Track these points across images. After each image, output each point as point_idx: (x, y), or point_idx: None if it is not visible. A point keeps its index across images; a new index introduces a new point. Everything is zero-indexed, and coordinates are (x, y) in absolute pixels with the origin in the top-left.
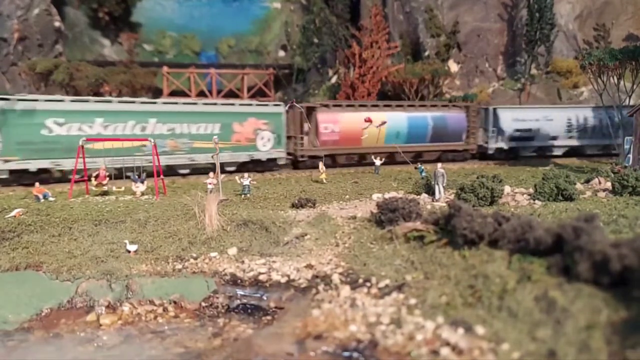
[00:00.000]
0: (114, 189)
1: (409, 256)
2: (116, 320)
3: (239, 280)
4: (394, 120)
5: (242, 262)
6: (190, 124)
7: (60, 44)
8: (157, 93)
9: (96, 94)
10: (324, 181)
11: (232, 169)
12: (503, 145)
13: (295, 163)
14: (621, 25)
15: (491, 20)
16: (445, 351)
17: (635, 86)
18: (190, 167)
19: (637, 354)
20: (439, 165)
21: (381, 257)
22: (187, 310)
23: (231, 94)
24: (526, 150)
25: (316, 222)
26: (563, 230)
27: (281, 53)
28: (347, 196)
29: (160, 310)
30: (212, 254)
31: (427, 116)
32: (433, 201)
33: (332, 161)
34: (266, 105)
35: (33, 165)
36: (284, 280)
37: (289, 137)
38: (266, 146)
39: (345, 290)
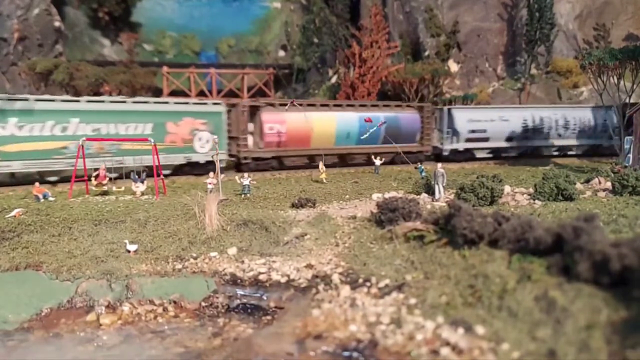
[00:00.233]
0: (114, 188)
1: (409, 256)
2: (116, 320)
3: (239, 280)
4: (345, 120)
5: (242, 262)
6: (118, 124)
7: (60, 44)
8: (157, 93)
9: (96, 93)
10: (324, 181)
11: (167, 172)
12: (458, 146)
13: (239, 165)
14: (621, 25)
15: (491, 20)
16: (445, 351)
17: (635, 86)
18: (119, 170)
19: (637, 354)
20: (439, 165)
21: (381, 257)
22: (187, 310)
23: (231, 94)
24: (481, 151)
25: (316, 222)
26: (563, 230)
27: (281, 53)
28: (347, 196)
29: (160, 310)
30: (212, 254)
31: (380, 117)
32: (433, 201)
33: (279, 163)
34: (205, 103)
35: None
36: (284, 280)
37: (232, 138)
38: (205, 147)
39: (345, 290)
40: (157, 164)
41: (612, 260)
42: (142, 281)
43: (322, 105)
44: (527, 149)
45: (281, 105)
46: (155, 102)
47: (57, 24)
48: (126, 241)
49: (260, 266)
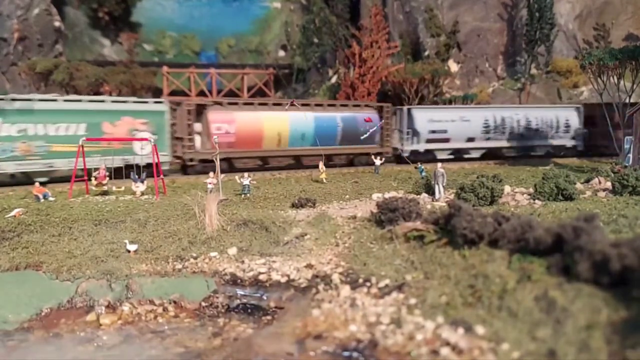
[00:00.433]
0: (114, 188)
1: (409, 256)
2: (116, 320)
3: (239, 280)
4: (299, 120)
5: (242, 261)
6: (48, 124)
7: (60, 43)
8: (157, 93)
9: (96, 94)
10: (324, 181)
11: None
12: (418, 147)
13: (184, 168)
14: (621, 25)
15: (491, 20)
16: (445, 351)
17: (635, 86)
18: (49, 174)
19: (637, 354)
20: (439, 165)
21: (381, 257)
22: (187, 310)
23: (231, 94)
24: (442, 152)
25: (316, 222)
26: (563, 230)
27: (281, 53)
28: (347, 196)
29: (160, 310)
30: (212, 254)
31: (336, 117)
32: (433, 201)
33: (229, 165)
34: (145, 102)
35: None
36: (284, 280)
37: (177, 139)
38: (145, 149)
39: (345, 290)
40: (156, 163)
41: (612, 260)
42: (142, 281)
43: (274, 104)
44: (488, 150)
45: (229, 104)
46: (89, 101)
47: (57, 24)
48: (126, 241)
49: (260, 266)
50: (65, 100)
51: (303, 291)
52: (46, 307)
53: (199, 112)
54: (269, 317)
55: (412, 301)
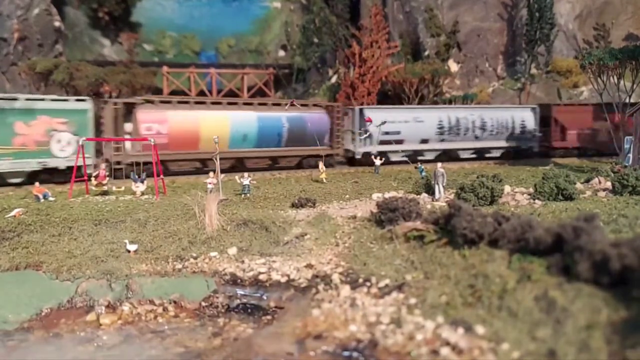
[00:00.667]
0: (114, 188)
1: (408, 256)
2: (116, 320)
3: (239, 280)
4: (241, 120)
5: (242, 261)
6: None
7: (60, 43)
8: (157, 93)
9: (96, 94)
10: (324, 181)
11: (18, 180)
12: (371, 149)
13: (112, 171)
14: (621, 25)
15: (491, 19)
16: (445, 351)
17: (635, 85)
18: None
19: (637, 354)
20: (439, 165)
21: (381, 257)
22: (187, 310)
23: (231, 94)
24: (396, 154)
25: (316, 222)
26: (563, 229)
27: (281, 53)
28: (347, 196)
29: (160, 310)
30: (212, 254)
31: (282, 117)
32: (433, 201)
33: (163, 169)
34: (66, 100)
35: None
36: (284, 280)
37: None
38: (65, 151)
39: (345, 290)
40: (156, 162)
41: (612, 260)
42: (142, 281)
43: (213, 103)
44: (443, 151)
45: (162, 102)
46: (0, 99)
47: (57, 24)
48: (126, 241)
49: (260, 266)
50: None
51: (303, 291)
52: (46, 307)
53: (128, 111)
54: (269, 317)
55: (412, 301)
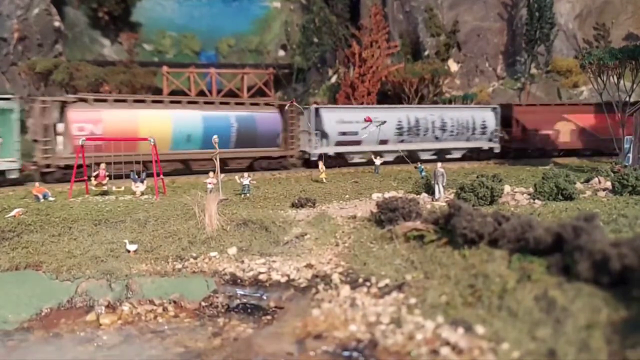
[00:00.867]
0: (114, 188)
1: (408, 256)
2: (116, 320)
3: (239, 280)
4: (185, 120)
5: (242, 261)
6: None
7: (60, 43)
8: (157, 93)
9: (96, 93)
10: (324, 181)
11: None
12: (328, 150)
13: (43, 175)
14: (621, 25)
15: (491, 19)
16: (445, 351)
17: (635, 85)
18: None
19: (637, 354)
20: (439, 164)
21: (381, 257)
22: (187, 310)
23: (231, 94)
24: (354, 155)
25: (316, 222)
26: (563, 229)
27: (281, 53)
28: (347, 196)
29: (160, 309)
30: (212, 254)
31: (230, 116)
32: (433, 201)
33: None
34: None
35: None
36: (283, 279)
37: (35, 141)
38: None
39: (345, 290)
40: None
41: (612, 260)
42: (142, 281)
43: (154, 101)
44: (402, 152)
45: (96, 101)
46: None
47: (57, 24)
48: (126, 241)
49: (260, 266)
50: None
51: (303, 291)
52: (46, 307)
53: (63, 109)
54: (269, 317)
55: (412, 301)
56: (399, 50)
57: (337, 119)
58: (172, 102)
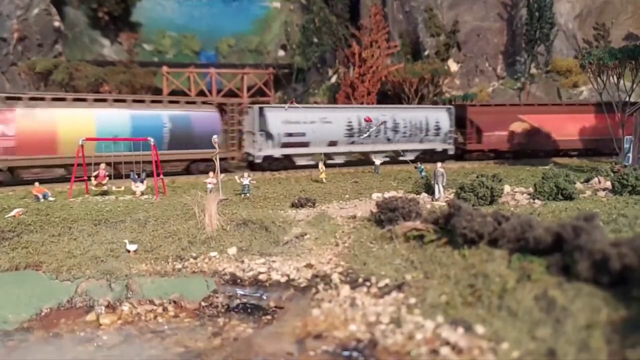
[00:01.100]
0: (114, 188)
1: (408, 255)
2: (116, 320)
3: (239, 280)
4: (110, 119)
5: (242, 261)
6: None
7: (60, 43)
8: (157, 93)
9: (96, 93)
10: (324, 181)
11: None
12: (273, 152)
13: None
14: (621, 25)
15: (491, 19)
16: (445, 350)
17: (635, 85)
18: None
19: (637, 354)
20: (439, 164)
21: (381, 257)
22: (187, 310)
23: (231, 94)
24: (301, 158)
25: (316, 222)
26: (563, 229)
27: (281, 53)
28: (347, 196)
29: (160, 309)
30: (212, 254)
31: (163, 115)
32: (433, 200)
33: (11, 175)
34: None
35: None
36: (283, 279)
37: None
38: None
39: (345, 290)
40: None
41: (611, 260)
42: (142, 281)
43: (75, 99)
44: (352, 154)
45: (9, 99)
46: None
47: (56, 24)
48: (126, 241)
49: (260, 266)
50: None
51: (303, 291)
52: (46, 307)
53: None
54: (269, 317)
55: (412, 301)
56: (398, 50)
57: (282, 119)
58: (96, 100)
